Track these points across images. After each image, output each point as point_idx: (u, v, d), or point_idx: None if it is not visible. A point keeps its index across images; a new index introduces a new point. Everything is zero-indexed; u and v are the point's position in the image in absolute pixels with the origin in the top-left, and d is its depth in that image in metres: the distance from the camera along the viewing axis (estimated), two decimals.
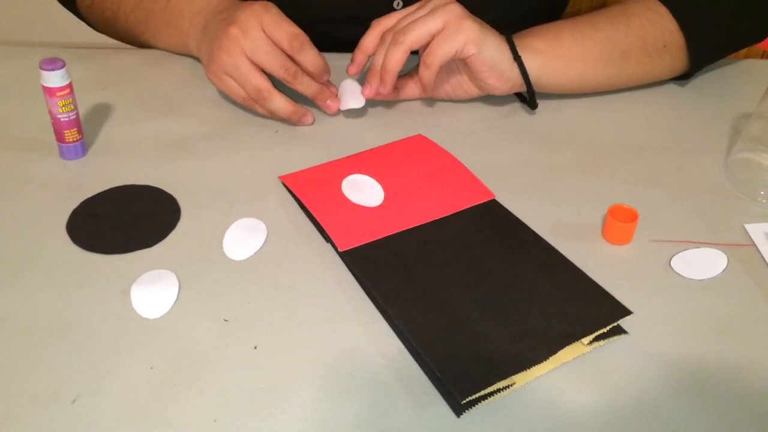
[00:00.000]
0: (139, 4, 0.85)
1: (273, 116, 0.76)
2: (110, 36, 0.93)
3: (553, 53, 0.76)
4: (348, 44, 0.79)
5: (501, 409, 0.49)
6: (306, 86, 0.74)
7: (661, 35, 0.78)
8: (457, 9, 0.71)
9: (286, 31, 0.71)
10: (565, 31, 0.77)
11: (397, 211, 0.65)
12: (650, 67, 0.81)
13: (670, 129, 0.79)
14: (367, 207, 0.65)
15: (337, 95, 0.78)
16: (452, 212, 0.65)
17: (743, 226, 0.65)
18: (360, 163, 0.71)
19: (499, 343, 0.53)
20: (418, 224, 0.64)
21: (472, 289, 0.57)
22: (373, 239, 0.62)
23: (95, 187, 0.68)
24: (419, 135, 0.76)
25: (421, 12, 0.72)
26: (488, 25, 0.74)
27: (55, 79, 0.66)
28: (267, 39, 0.71)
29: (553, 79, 0.77)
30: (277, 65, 0.71)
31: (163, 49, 0.88)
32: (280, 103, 0.74)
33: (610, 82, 0.80)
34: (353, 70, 0.77)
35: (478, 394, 0.49)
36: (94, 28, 0.93)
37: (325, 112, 0.78)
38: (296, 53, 0.71)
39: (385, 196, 0.67)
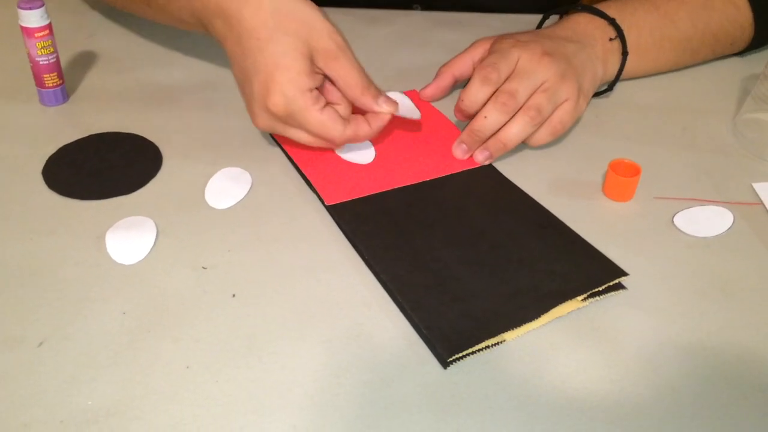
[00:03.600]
0: None
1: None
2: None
3: (632, 54, 0.71)
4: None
5: (490, 362, 0.47)
6: (352, 139, 0.61)
7: (732, 32, 0.76)
8: (572, 83, 0.64)
9: (326, 137, 0.59)
10: (646, 29, 0.72)
11: (389, 169, 0.62)
12: (710, 58, 0.79)
13: (676, 89, 0.76)
14: (358, 164, 0.63)
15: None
16: (445, 174, 0.62)
17: (751, 185, 0.63)
18: None
19: (489, 302, 0.50)
20: (409, 183, 0.61)
21: (463, 249, 0.54)
22: (362, 195, 0.59)
23: (74, 134, 0.65)
24: (413, 91, 0.73)
25: (533, 74, 0.62)
26: (590, 60, 0.67)
27: (33, 18, 0.63)
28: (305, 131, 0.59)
29: (622, 74, 0.73)
30: (305, 140, 0.60)
31: (166, 24, 0.70)
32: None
33: (665, 72, 0.78)
34: (432, 92, 0.70)
35: (465, 352, 0.47)
36: None
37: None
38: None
39: (377, 155, 0.64)
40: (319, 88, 0.58)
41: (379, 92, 0.60)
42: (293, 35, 0.55)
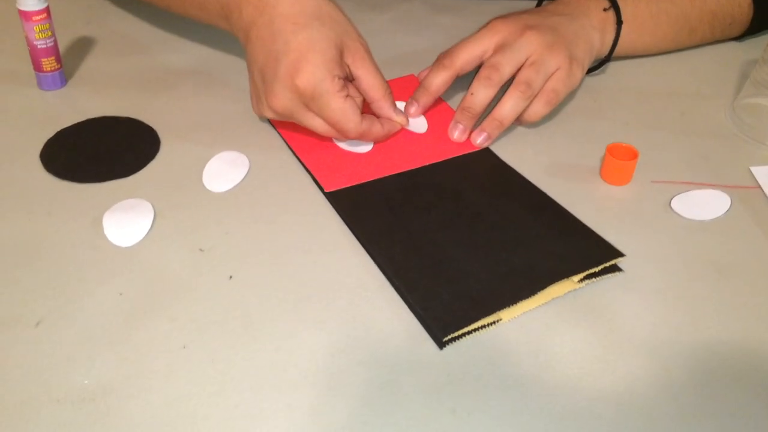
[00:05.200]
0: None
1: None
2: None
3: (629, 26, 0.71)
4: None
5: (485, 342, 0.47)
6: (367, 137, 0.61)
7: (731, 11, 0.76)
8: (565, 56, 0.63)
9: (343, 127, 0.59)
10: (642, 2, 0.72)
11: (387, 156, 0.62)
12: (709, 39, 0.79)
13: (675, 74, 0.76)
14: (356, 153, 0.62)
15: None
16: (444, 158, 0.62)
17: (749, 169, 0.62)
18: None
19: (484, 282, 0.50)
20: (408, 169, 0.61)
21: (459, 232, 0.54)
22: (361, 182, 0.59)
23: (73, 118, 0.65)
24: (411, 75, 0.73)
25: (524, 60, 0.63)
26: (579, 33, 0.66)
27: (30, 1, 0.63)
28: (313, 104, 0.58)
29: (618, 49, 0.72)
30: (321, 130, 0.60)
31: (182, 13, 0.69)
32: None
33: (665, 51, 0.78)
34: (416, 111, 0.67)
35: (460, 332, 0.47)
36: None
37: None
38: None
39: (375, 143, 0.64)
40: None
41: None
42: (329, 27, 0.57)
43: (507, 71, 0.62)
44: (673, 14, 0.74)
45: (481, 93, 0.62)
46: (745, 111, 0.68)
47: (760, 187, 0.60)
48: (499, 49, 0.63)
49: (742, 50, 0.79)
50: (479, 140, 0.63)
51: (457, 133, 0.64)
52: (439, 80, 0.64)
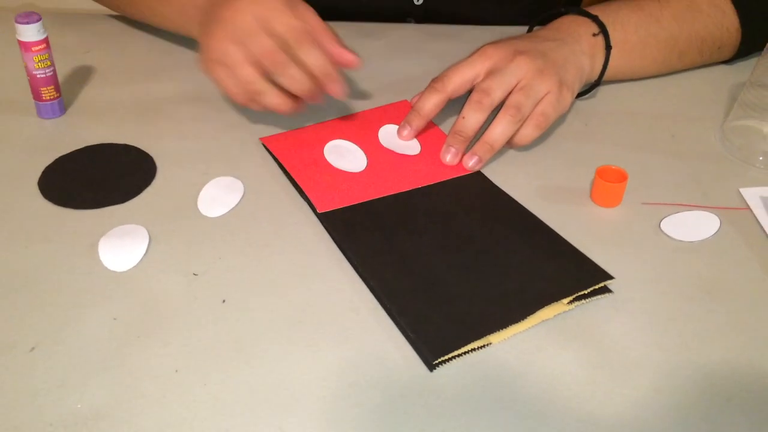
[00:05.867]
0: None
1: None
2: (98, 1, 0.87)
3: (618, 50, 0.72)
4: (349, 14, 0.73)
5: (476, 364, 0.47)
6: (294, 81, 0.60)
7: (719, 36, 0.77)
8: (555, 87, 0.64)
9: (282, 22, 0.60)
10: (631, 27, 0.73)
11: (380, 177, 0.63)
12: (698, 63, 0.80)
13: (665, 97, 0.77)
14: (349, 172, 0.63)
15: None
16: (435, 181, 0.63)
17: (738, 191, 0.63)
18: (343, 127, 0.69)
19: (475, 305, 0.51)
20: (400, 191, 0.62)
21: (450, 255, 0.55)
22: (354, 203, 0.60)
23: (71, 146, 0.66)
24: (404, 101, 0.74)
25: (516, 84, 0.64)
26: (570, 59, 0.68)
27: (30, 33, 0.64)
28: (258, 25, 0.60)
29: (608, 73, 0.73)
30: (259, 50, 0.59)
31: (161, 28, 0.80)
32: (273, 99, 0.62)
33: (655, 74, 0.79)
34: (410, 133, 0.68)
35: (450, 354, 0.47)
36: None
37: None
38: (294, 49, 0.60)
39: (368, 163, 0.65)
40: None
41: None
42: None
43: (498, 95, 0.63)
44: (662, 38, 0.75)
45: (472, 117, 0.63)
46: (734, 133, 0.69)
47: (749, 208, 0.61)
48: (490, 73, 0.64)
49: (731, 73, 0.80)
50: (471, 163, 0.64)
51: (449, 157, 0.64)
52: (431, 104, 0.65)
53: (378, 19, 0.90)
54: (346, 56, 0.62)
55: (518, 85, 0.63)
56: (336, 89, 0.62)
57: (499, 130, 0.63)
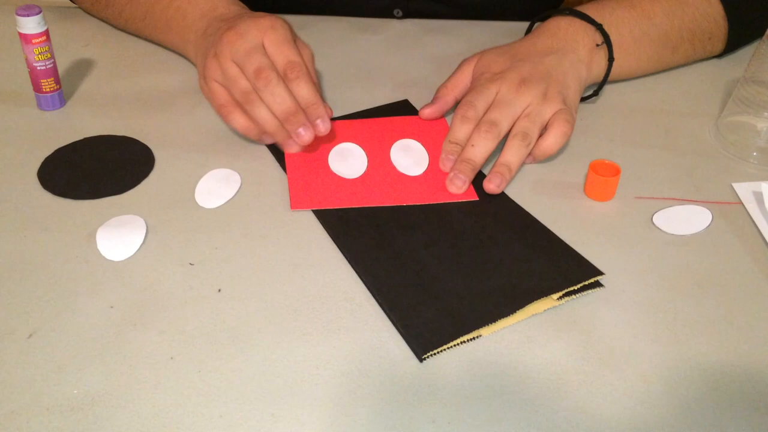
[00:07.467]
0: None
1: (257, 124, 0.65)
2: (98, 17, 0.86)
3: (615, 52, 0.73)
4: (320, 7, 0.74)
5: (466, 354, 0.48)
6: (277, 100, 0.61)
7: (708, 27, 0.78)
8: (557, 98, 0.66)
9: (285, 54, 0.62)
10: (626, 28, 0.74)
11: (369, 188, 0.62)
12: (692, 57, 0.81)
13: (659, 92, 0.77)
14: (342, 177, 0.63)
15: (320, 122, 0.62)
16: (428, 202, 0.61)
17: (731, 185, 0.64)
18: (360, 130, 0.69)
19: (466, 300, 0.51)
20: (382, 205, 0.60)
21: (442, 251, 0.56)
22: (331, 207, 0.59)
23: (70, 137, 0.67)
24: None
25: (514, 99, 0.65)
26: (571, 76, 0.69)
27: (30, 25, 0.65)
28: (259, 48, 0.62)
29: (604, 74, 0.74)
30: (252, 66, 0.61)
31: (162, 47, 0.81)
32: (265, 112, 0.62)
33: (650, 72, 0.80)
34: (433, 113, 0.70)
35: (440, 348, 0.48)
36: (82, 8, 0.88)
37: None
38: (290, 82, 0.61)
39: (366, 172, 0.64)
40: None
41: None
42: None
43: (505, 126, 0.64)
44: (655, 36, 0.75)
45: (481, 145, 0.63)
46: (728, 128, 0.70)
47: (741, 203, 0.62)
48: (497, 104, 0.65)
49: (725, 69, 0.81)
50: (493, 186, 0.62)
51: (458, 184, 0.62)
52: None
53: (365, 10, 0.90)
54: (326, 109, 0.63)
55: (524, 112, 0.65)
56: (319, 126, 0.62)
57: (510, 155, 0.63)
